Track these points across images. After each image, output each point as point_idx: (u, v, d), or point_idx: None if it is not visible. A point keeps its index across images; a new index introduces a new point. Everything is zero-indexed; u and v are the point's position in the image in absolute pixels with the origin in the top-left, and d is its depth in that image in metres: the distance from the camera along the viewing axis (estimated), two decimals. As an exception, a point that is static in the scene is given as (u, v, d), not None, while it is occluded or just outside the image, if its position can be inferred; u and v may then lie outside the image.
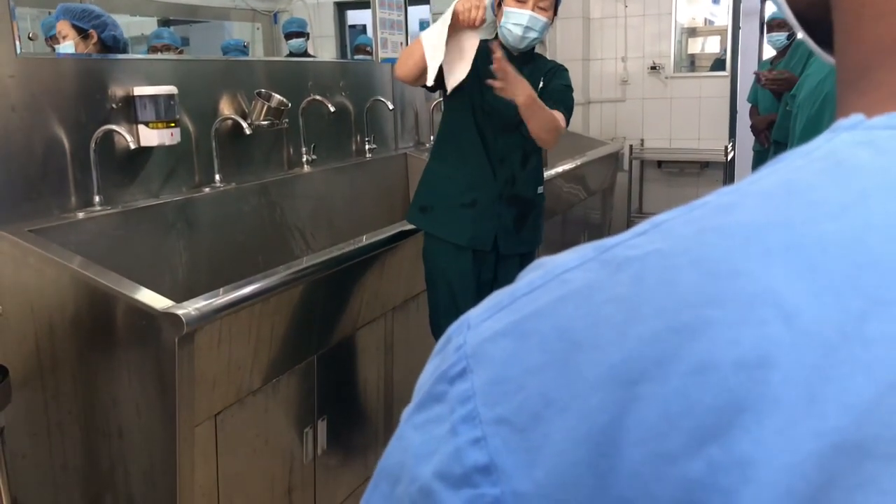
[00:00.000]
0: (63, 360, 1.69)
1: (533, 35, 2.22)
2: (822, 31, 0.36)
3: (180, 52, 2.87)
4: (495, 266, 2.38)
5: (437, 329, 2.38)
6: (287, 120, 2.57)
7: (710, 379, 0.24)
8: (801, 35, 0.38)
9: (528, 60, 2.31)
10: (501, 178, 2.31)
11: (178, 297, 1.63)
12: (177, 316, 1.50)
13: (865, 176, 0.26)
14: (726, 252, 0.26)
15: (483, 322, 0.30)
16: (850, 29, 0.31)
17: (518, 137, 2.28)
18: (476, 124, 2.26)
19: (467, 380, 0.29)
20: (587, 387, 0.26)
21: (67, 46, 2.24)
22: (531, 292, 0.29)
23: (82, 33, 2.20)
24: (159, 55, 2.69)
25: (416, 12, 3.71)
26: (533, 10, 2.18)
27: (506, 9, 2.20)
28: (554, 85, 2.31)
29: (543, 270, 0.30)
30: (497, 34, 2.28)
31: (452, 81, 2.16)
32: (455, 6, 2.06)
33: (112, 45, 2.26)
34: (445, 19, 2.08)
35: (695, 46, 5.35)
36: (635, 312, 0.26)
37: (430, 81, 2.13)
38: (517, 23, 2.19)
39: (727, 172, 5.15)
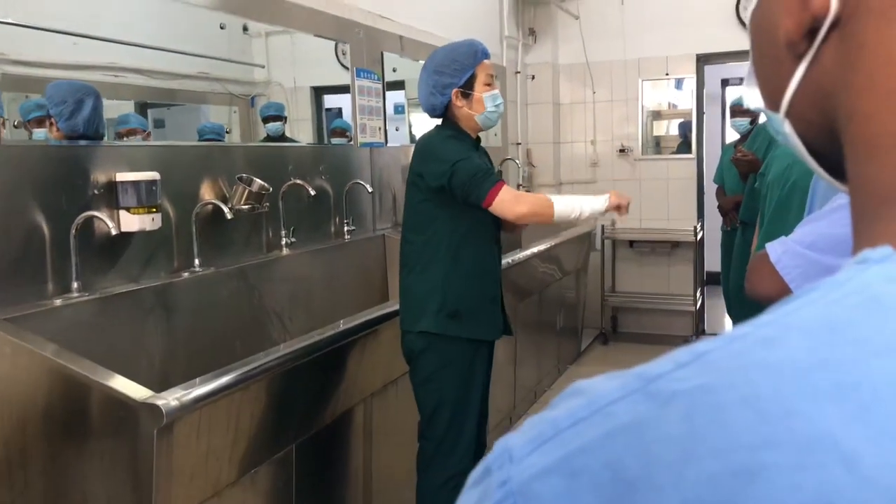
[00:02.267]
0: (33, 455, 1.63)
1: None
2: (829, 159, 0.38)
3: (147, 136, 2.87)
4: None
5: (433, 428, 2.27)
6: (268, 204, 2.59)
7: None
8: (812, 165, 0.40)
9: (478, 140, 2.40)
10: (500, 265, 2.39)
11: (155, 385, 1.59)
12: (156, 406, 1.46)
13: None
14: (775, 391, 0.26)
15: (527, 456, 0.29)
16: (866, 159, 0.33)
17: (499, 221, 2.34)
18: (494, 222, 2.31)
19: None
20: None
21: (40, 133, 2.22)
22: (575, 424, 0.29)
23: (50, 119, 2.18)
24: (127, 140, 2.67)
25: (392, 97, 3.80)
26: (497, 88, 2.30)
27: (483, 95, 2.25)
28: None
29: (585, 400, 0.29)
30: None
31: None
32: (611, 202, 2.32)
33: (69, 133, 2.14)
34: (595, 207, 2.30)
35: (660, 129, 5.53)
36: (690, 453, 0.26)
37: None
38: (497, 104, 2.28)
39: (697, 252, 5.24)
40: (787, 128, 0.39)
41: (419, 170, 2.26)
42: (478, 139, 2.36)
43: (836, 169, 0.38)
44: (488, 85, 2.26)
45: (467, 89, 2.25)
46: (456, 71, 2.25)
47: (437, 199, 2.24)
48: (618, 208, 2.34)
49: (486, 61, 2.28)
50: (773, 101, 0.40)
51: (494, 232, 2.34)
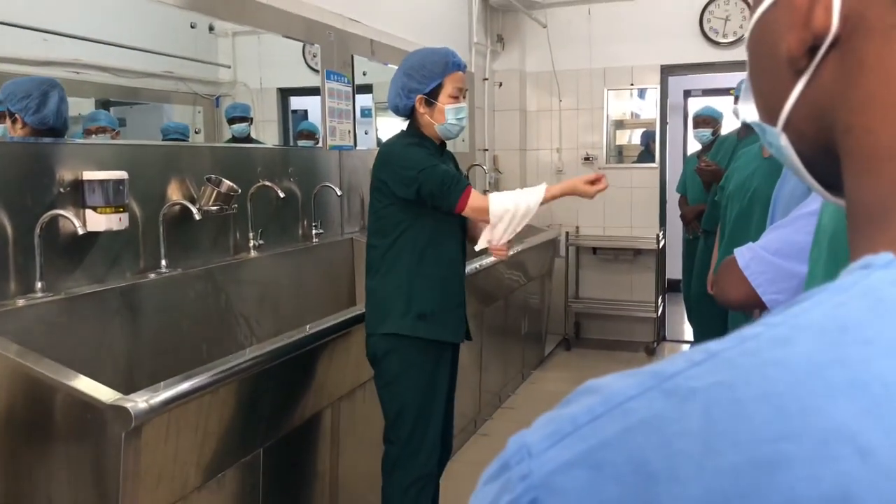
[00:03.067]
0: (-5, 457, 1.59)
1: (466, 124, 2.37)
2: (822, 172, 0.40)
3: (117, 134, 2.83)
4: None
5: (397, 431, 2.28)
6: (236, 205, 2.56)
7: None
8: (806, 178, 0.41)
9: (443, 146, 2.41)
10: (464, 270, 2.40)
11: (120, 387, 1.56)
12: (125, 409, 1.44)
13: None
14: (791, 387, 0.27)
15: (547, 450, 0.30)
16: (864, 171, 0.35)
17: (464, 224, 2.37)
18: (458, 224, 2.33)
19: None
20: None
21: (-1, 129, 2.16)
22: (594, 420, 0.29)
23: (12, 117, 2.13)
24: (95, 138, 2.63)
25: (360, 100, 3.80)
26: (464, 102, 2.31)
27: (446, 107, 2.26)
28: (458, 165, 2.50)
29: (601, 397, 0.30)
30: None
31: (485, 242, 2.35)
32: (550, 192, 2.29)
33: (38, 127, 2.12)
34: (530, 202, 2.27)
35: (622, 138, 5.61)
36: (711, 446, 0.27)
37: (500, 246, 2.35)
38: (460, 117, 2.29)
39: (659, 259, 5.32)
40: (784, 141, 0.40)
41: (383, 177, 2.27)
42: (443, 144, 2.37)
43: (829, 181, 0.39)
44: (455, 98, 2.26)
45: (432, 98, 2.26)
46: (424, 77, 2.26)
47: (401, 204, 2.25)
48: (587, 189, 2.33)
49: (457, 73, 2.28)
50: (770, 115, 0.41)
51: (459, 235, 2.36)
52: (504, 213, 2.24)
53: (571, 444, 0.29)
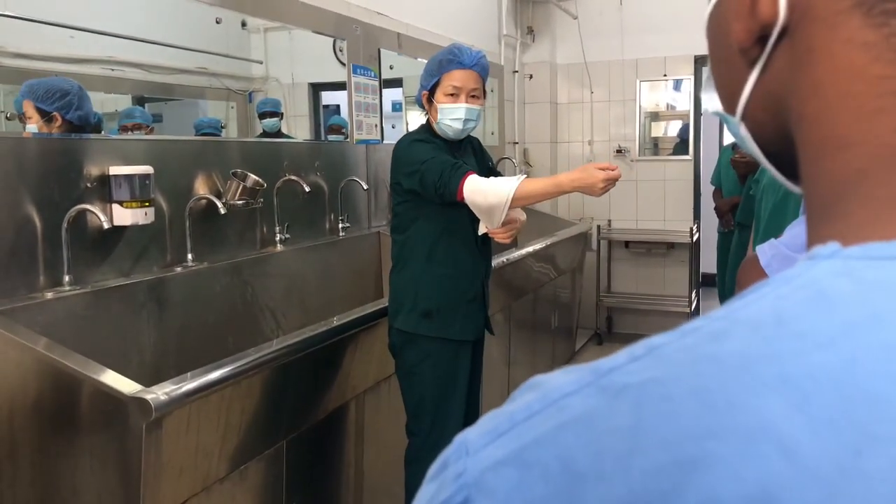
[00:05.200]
0: (22, 446, 1.63)
1: (471, 125, 2.28)
2: (784, 161, 0.39)
3: (151, 130, 2.87)
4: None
5: (418, 423, 2.29)
6: (262, 199, 2.58)
7: None
8: (767, 167, 0.41)
9: (461, 141, 2.36)
10: (484, 264, 2.38)
11: (147, 380, 1.59)
12: (145, 401, 1.46)
13: (848, 307, 0.27)
14: (721, 383, 0.26)
15: (483, 448, 0.29)
16: (815, 161, 0.34)
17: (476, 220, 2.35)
18: (470, 220, 2.28)
19: None
20: None
21: (31, 128, 2.21)
22: (530, 418, 0.29)
23: (45, 116, 2.17)
24: (131, 134, 2.68)
25: (389, 94, 3.80)
26: (466, 101, 2.23)
27: (439, 105, 2.23)
28: (486, 161, 2.46)
29: (540, 394, 0.30)
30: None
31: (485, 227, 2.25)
32: (588, 181, 2.07)
33: (80, 124, 2.19)
34: (500, 196, 2.08)
35: (658, 130, 5.53)
36: (637, 444, 0.26)
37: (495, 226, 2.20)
38: (455, 118, 2.23)
39: (693, 253, 5.24)
40: (743, 131, 0.40)
41: (394, 176, 2.29)
42: (461, 140, 2.33)
43: (790, 170, 0.39)
44: (452, 96, 2.22)
45: (432, 95, 2.26)
46: (427, 74, 2.28)
47: (414, 202, 2.26)
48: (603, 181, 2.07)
49: (455, 72, 2.22)
50: (729, 105, 0.41)
51: (471, 232, 2.31)
52: (474, 197, 2.11)
53: (506, 442, 0.29)
